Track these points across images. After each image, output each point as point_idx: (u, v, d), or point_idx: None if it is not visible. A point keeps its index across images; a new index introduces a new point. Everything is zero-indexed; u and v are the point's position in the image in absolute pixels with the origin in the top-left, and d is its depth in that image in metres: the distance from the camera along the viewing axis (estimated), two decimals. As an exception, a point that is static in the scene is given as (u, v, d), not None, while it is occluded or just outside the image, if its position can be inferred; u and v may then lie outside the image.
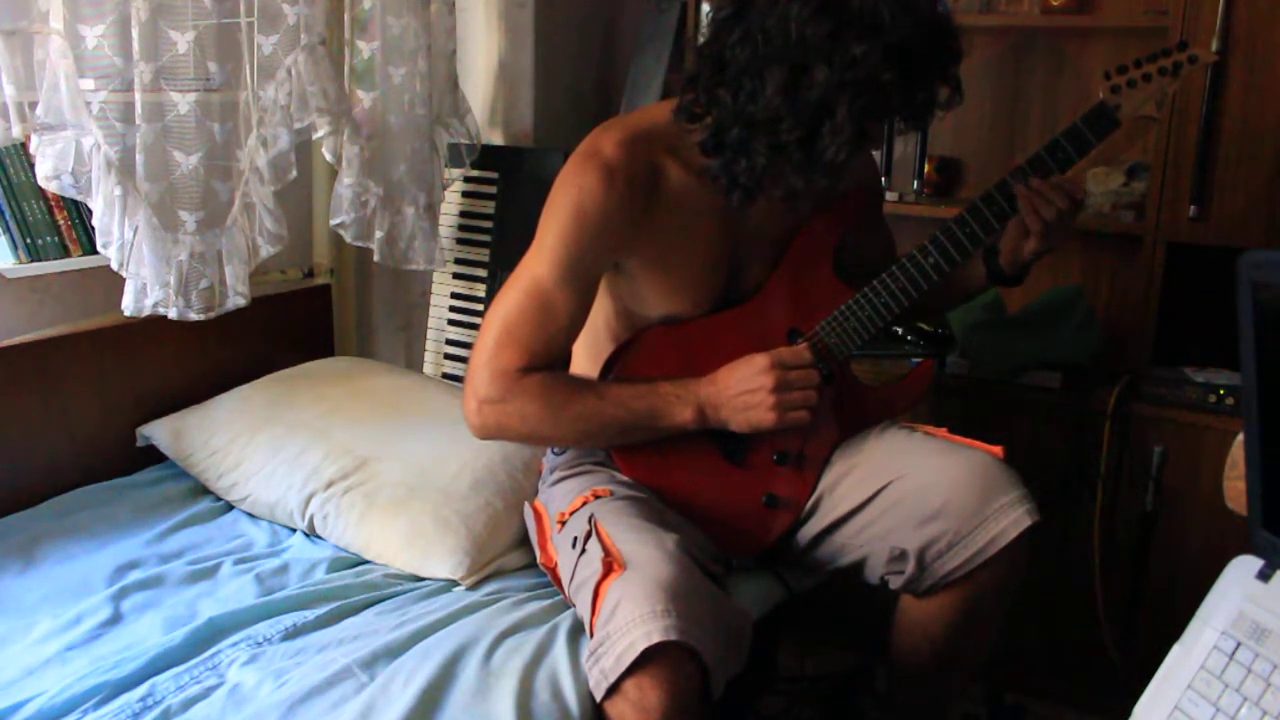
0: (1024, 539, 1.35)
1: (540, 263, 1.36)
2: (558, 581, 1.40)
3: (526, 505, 1.55)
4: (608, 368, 1.45)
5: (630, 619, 1.14)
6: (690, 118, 1.36)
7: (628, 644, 1.13)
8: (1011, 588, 1.41)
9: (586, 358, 1.49)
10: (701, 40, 1.35)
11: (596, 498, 1.38)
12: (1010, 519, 1.34)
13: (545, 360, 1.38)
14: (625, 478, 1.46)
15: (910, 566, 1.38)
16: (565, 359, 1.46)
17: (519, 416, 1.37)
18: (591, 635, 1.21)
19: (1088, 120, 1.42)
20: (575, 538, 1.33)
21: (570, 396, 1.38)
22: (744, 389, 1.37)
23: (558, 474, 1.51)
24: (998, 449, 1.42)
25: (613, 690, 1.15)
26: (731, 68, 1.28)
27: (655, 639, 1.11)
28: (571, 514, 1.38)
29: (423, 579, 1.54)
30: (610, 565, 1.22)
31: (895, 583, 1.42)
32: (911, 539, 1.38)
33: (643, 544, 1.25)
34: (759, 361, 1.37)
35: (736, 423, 1.39)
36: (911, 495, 1.39)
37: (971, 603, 1.40)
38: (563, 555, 1.37)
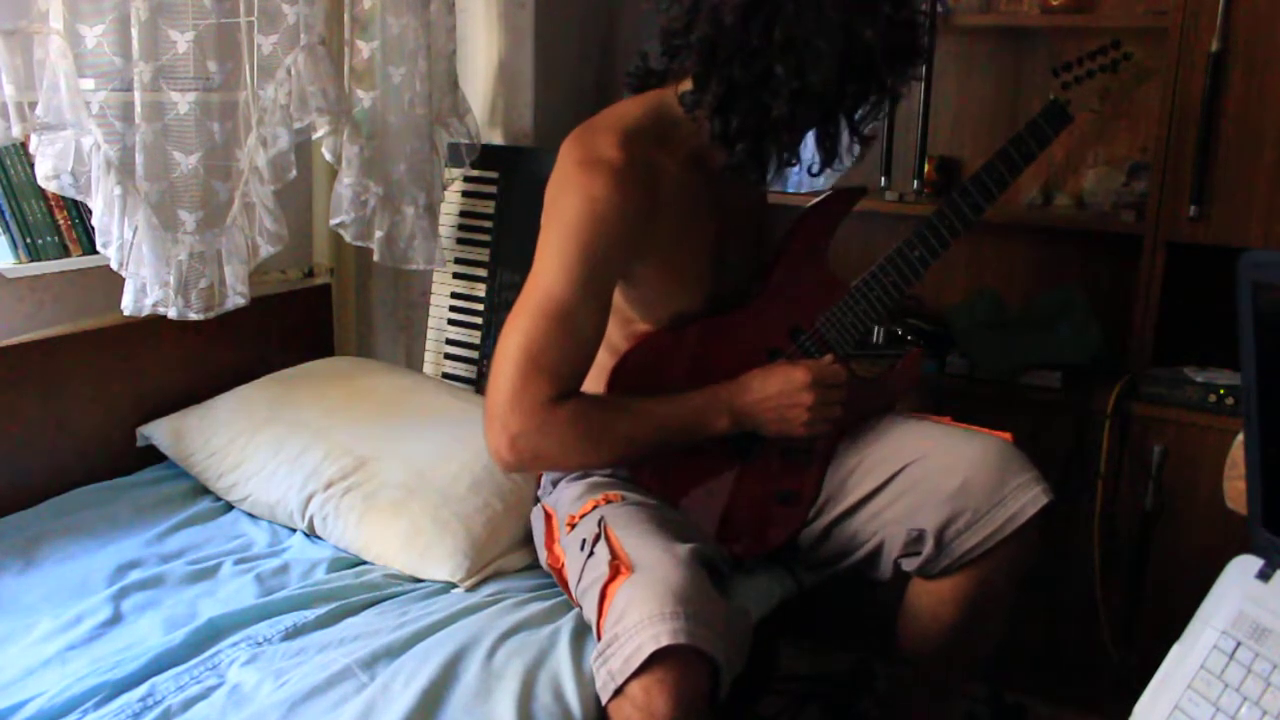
0: (1039, 519, 1.37)
1: (555, 281, 1.29)
2: (563, 583, 1.40)
3: (535, 507, 1.55)
4: (614, 378, 1.44)
5: (639, 621, 1.14)
6: (694, 106, 1.34)
7: (635, 646, 1.12)
8: (1022, 569, 1.43)
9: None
10: (701, 32, 1.31)
11: (608, 502, 1.38)
12: (1028, 497, 1.37)
13: (572, 383, 1.34)
14: (635, 483, 1.46)
15: (928, 547, 1.40)
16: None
17: (559, 446, 1.33)
18: (599, 637, 1.21)
19: (1046, 116, 1.51)
20: (584, 539, 1.33)
21: (605, 422, 1.36)
22: (783, 402, 1.39)
23: (565, 479, 1.51)
24: (1006, 434, 1.46)
25: (618, 692, 1.14)
26: (766, 52, 1.27)
27: (664, 641, 1.11)
28: (582, 517, 1.38)
29: (423, 580, 1.54)
30: (617, 568, 1.22)
31: (910, 565, 1.44)
32: (931, 518, 1.39)
33: (651, 548, 1.25)
34: (799, 378, 1.38)
35: (768, 429, 1.41)
36: (929, 476, 1.41)
37: (984, 584, 1.41)
38: (570, 556, 1.37)
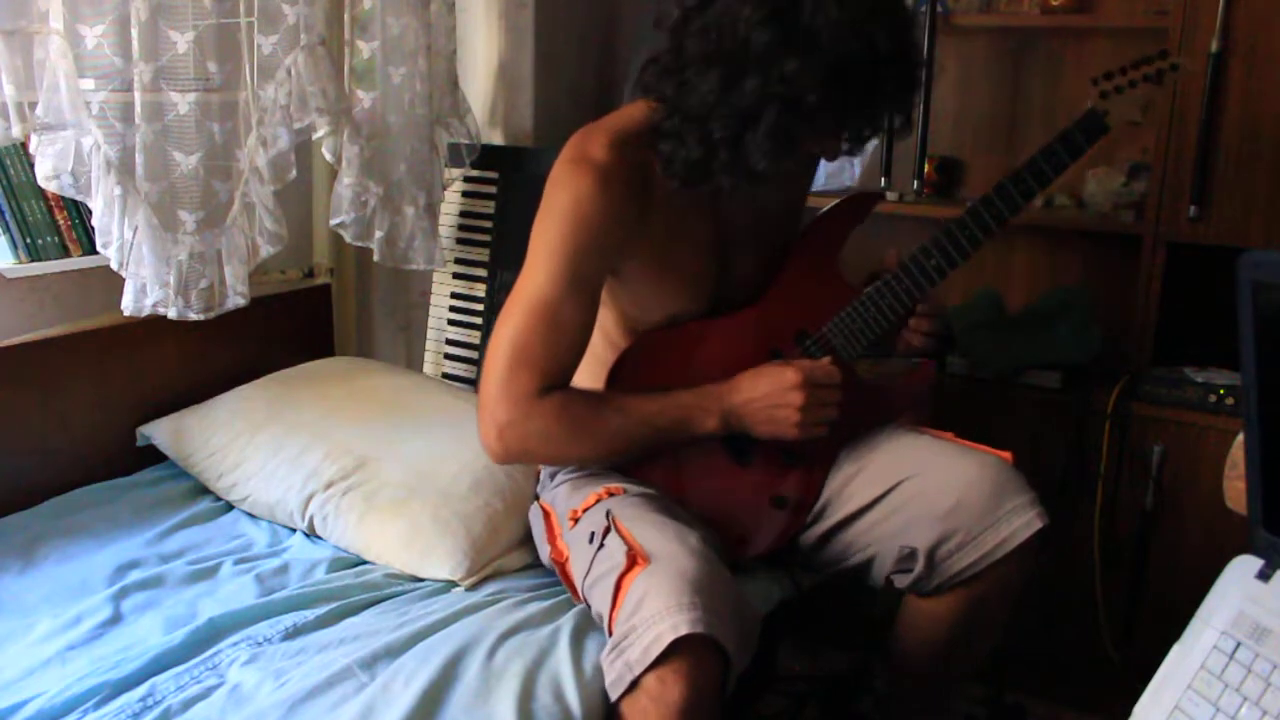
0: (1033, 542, 1.35)
1: (542, 277, 1.33)
2: (567, 578, 1.40)
3: (533, 505, 1.55)
4: (614, 375, 1.44)
5: (657, 611, 1.14)
6: (644, 94, 1.35)
7: (654, 636, 1.13)
8: (1016, 590, 1.41)
9: (586, 367, 1.47)
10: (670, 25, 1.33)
11: (611, 495, 1.38)
12: (1022, 520, 1.35)
13: (559, 377, 1.36)
14: (634, 476, 1.46)
15: (919, 565, 1.38)
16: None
17: (542, 438, 1.35)
18: (611, 630, 1.21)
19: (1080, 126, 1.44)
20: (592, 533, 1.32)
21: (592, 416, 1.37)
22: (772, 402, 1.37)
23: (562, 475, 1.51)
24: (1006, 454, 1.42)
25: (632, 684, 1.15)
26: (684, 57, 1.27)
27: (683, 631, 1.12)
28: (585, 510, 1.38)
29: (423, 579, 1.54)
30: (634, 559, 1.22)
31: (902, 582, 1.43)
32: (923, 537, 1.38)
33: (665, 539, 1.25)
34: (790, 377, 1.36)
35: (760, 431, 1.39)
36: (924, 494, 1.39)
37: (977, 604, 1.40)
38: (576, 550, 1.36)
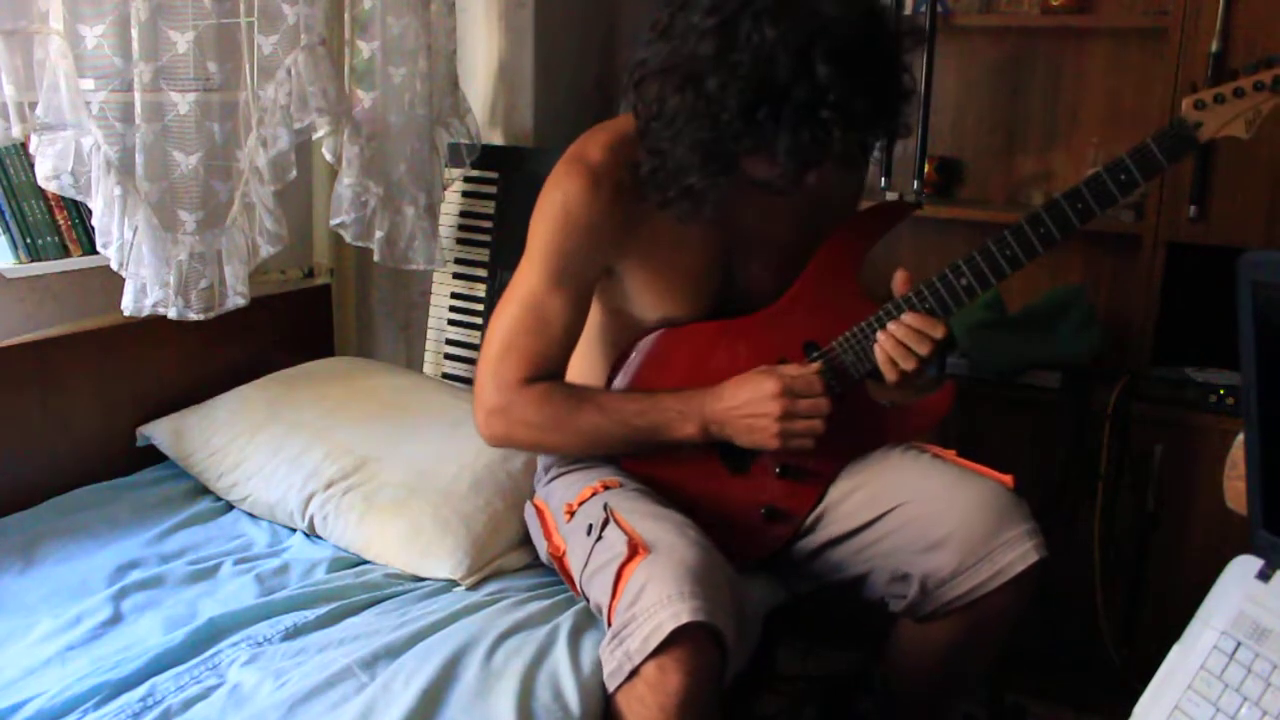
0: (1030, 573, 1.33)
1: (532, 272, 1.37)
2: (564, 572, 1.40)
3: (527, 503, 1.55)
4: (615, 372, 1.44)
5: (657, 600, 1.14)
6: (633, 96, 1.33)
7: (655, 625, 1.13)
8: (1013, 618, 1.38)
9: (583, 363, 1.48)
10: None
11: (607, 488, 1.38)
12: (1017, 553, 1.32)
13: (546, 369, 1.39)
14: (626, 471, 1.46)
15: (913, 590, 1.37)
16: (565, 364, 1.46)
17: (523, 427, 1.39)
18: (610, 620, 1.21)
19: (1161, 139, 1.28)
20: (590, 525, 1.32)
21: (572, 410, 1.38)
22: (750, 411, 1.35)
23: (554, 470, 1.51)
24: (1007, 478, 1.39)
25: (631, 674, 1.15)
26: (653, 63, 1.26)
27: (684, 619, 1.12)
28: (580, 504, 1.38)
29: (423, 579, 1.54)
30: (635, 548, 1.22)
31: (896, 605, 1.41)
32: (916, 564, 1.36)
33: (664, 530, 1.25)
34: (768, 386, 1.34)
35: (740, 439, 1.38)
36: (917, 521, 1.37)
37: (971, 630, 1.38)
38: (574, 543, 1.36)
